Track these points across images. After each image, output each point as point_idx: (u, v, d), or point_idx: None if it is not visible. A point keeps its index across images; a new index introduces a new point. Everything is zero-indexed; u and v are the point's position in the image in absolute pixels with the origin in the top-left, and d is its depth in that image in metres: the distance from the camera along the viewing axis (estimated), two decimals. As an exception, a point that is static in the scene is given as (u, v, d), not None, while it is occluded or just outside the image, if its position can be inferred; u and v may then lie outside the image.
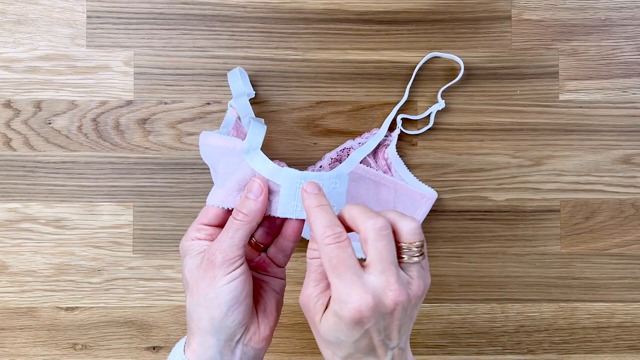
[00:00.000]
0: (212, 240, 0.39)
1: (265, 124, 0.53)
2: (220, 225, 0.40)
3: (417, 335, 0.54)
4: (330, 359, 0.37)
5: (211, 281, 0.38)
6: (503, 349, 0.55)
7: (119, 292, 0.53)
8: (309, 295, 0.37)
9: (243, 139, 0.50)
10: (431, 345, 0.54)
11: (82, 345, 0.53)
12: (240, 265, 0.38)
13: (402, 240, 0.36)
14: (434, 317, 0.54)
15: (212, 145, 0.42)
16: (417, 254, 0.36)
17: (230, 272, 0.37)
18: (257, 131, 0.40)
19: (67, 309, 0.53)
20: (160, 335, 0.53)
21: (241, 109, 0.48)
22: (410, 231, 0.36)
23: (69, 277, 0.53)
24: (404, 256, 0.36)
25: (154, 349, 0.53)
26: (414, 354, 0.54)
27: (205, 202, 0.53)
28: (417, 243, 0.36)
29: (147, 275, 0.53)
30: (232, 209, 0.40)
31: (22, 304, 0.53)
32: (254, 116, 0.47)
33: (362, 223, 0.35)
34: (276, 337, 0.54)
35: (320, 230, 0.35)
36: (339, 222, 0.36)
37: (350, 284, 0.34)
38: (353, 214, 0.36)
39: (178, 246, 0.53)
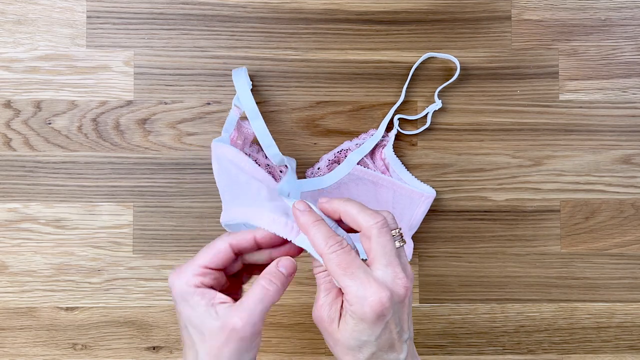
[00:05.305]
0: (218, 287, 0.38)
1: (265, 123, 0.53)
2: (225, 268, 0.39)
3: (417, 335, 0.54)
4: None
5: (235, 353, 0.37)
6: (503, 349, 0.55)
7: (119, 292, 0.53)
8: (321, 305, 0.37)
9: (244, 139, 0.50)
10: (431, 345, 0.54)
11: (82, 345, 0.53)
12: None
13: None
14: (434, 317, 0.54)
15: (235, 163, 0.42)
16: (399, 239, 0.38)
17: (256, 346, 0.37)
18: (289, 181, 0.43)
19: (67, 309, 0.53)
20: (160, 335, 0.53)
21: (259, 133, 0.49)
22: (392, 220, 0.38)
23: (69, 277, 0.53)
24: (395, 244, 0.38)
25: (154, 349, 0.53)
26: (414, 354, 0.54)
27: (202, 204, 0.53)
28: (398, 229, 0.38)
29: (147, 275, 0.53)
30: (242, 245, 0.39)
31: (22, 304, 0.53)
32: (271, 138, 0.49)
33: (364, 222, 0.37)
34: (276, 337, 0.54)
35: (323, 242, 0.37)
36: (335, 233, 0.38)
37: (364, 280, 0.35)
38: (352, 212, 0.38)
39: (178, 246, 0.53)
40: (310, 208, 0.39)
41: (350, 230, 0.39)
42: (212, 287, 0.38)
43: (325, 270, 0.38)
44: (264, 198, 0.43)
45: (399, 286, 0.36)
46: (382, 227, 0.37)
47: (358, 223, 0.37)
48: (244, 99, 0.48)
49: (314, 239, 0.37)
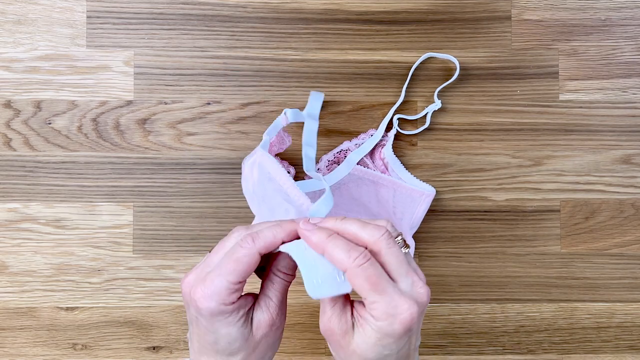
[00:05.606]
0: (246, 294, 0.38)
1: (265, 124, 0.53)
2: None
3: (417, 335, 0.54)
4: None
5: (275, 341, 0.39)
6: (503, 349, 0.55)
7: (119, 292, 0.53)
8: (329, 317, 0.36)
9: (278, 145, 0.50)
10: (431, 345, 0.54)
11: (82, 345, 0.53)
12: None
13: None
14: (434, 317, 0.54)
15: (272, 177, 0.42)
16: (403, 245, 0.37)
17: None
18: (326, 203, 0.41)
19: (67, 309, 0.53)
20: (160, 335, 0.53)
21: (307, 133, 0.51)
22: (392, 228, 0.37)
23: (69, 277, 0.53)
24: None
25: (154, 349, 0.53)
26: (414, 354, 0.54)
27: (202, 204, 0.53)
28: (400, 236, 0.37)
29: (147, 275, 0.53)
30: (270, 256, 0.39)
31: (22, 304, 0.53)
32: (315, 139, 0.51)
33: (370, 237, 0.35)
34: (276, 337, 0.54)
35: (346, 256, 0.34)
36: (355, 244, 0.35)
37: (394, 296, 0.34)
38: (353, 230, 0.36)
39: (178, 246, 0.53)
40: (316, 225, 0.36)
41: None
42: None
43: None
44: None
45: (421, 295, 0.35)
46: (389, 237, 0.35)
47: (362, 240, 0.35)
48: (313, 109, 0.51)
49: (334, 255, 0.34)
